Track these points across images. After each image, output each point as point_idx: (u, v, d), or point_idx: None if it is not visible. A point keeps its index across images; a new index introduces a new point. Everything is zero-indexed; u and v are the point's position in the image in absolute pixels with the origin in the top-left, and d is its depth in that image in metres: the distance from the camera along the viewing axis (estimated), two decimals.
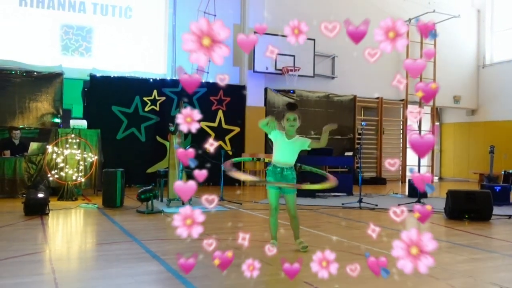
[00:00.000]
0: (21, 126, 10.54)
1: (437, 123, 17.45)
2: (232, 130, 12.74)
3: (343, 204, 8.49)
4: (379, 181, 14.22)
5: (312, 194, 9.62)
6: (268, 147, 13.09)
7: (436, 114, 16.99)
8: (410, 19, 15.47)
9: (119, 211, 7.30)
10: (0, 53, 10.88)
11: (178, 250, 4.72)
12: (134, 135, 11.65)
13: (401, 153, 15.69)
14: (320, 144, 4.57)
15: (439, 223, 6.82)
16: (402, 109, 15.72)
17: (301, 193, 9.70)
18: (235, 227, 6.32)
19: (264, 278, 3.71)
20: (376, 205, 8.29)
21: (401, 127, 15.81)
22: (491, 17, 17.09)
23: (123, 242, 4.97)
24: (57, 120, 11.02)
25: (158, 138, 11.71)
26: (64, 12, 11.58)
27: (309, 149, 4.69)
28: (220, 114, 12.57)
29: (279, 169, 4.56)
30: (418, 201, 8.54)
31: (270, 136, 4.58)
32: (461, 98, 16.62)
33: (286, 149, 4.57)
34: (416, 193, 9.01)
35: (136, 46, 12.24)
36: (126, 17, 12.20)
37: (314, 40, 13.45)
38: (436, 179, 16.65)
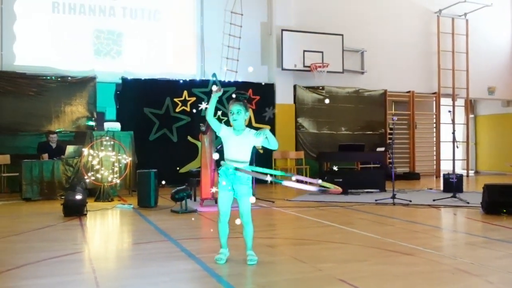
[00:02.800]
0: (57, 130, 10.86)
1: (471, 115, 17.03)
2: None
3: (376, 200, 8.41)
4: (412, 176, 13.99)
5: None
6: (299, 144, 13.09)
7: (470, 106, 16.58)
8: (440, 10, 15.18)
9: (153, 211, 7.45)
10: (35, 59, 11.23)
11: (212, 248, 4.79)
12: (166, 135, 11.82)
13: (434, 147, 15.40)
14: (271, 146, 3.97)
15: (476, 218, 6.68)
16: (434, 102, 15.42)
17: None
18: (268, 224, 6.36)
19: (298, 275, 3.73)
20: (410, 201, 8.18)
21: (434, 121, 15.50)
22: None
23: (158, 241, 5.07)
24: (92, 123, 11.31)
25: (189, 138, 11.85)
26: (95, 17, 11.85)
27: (260, 146, 4.12)
28: (249, 112, 12.62)
29: (231, 169, 3.98)
30: (454, 196, 8.38)
31: (218, 135, 4.09)
32: (496, 89, 16.17)
33: (235, 146, 4.00)
34: (452, 188, 8.84)
35: (165, 48, 12.41)
36: (154, 19, 12.39)
37: (342, 35, 13.34)
38: (471, 172, 16.26)
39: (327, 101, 12.17)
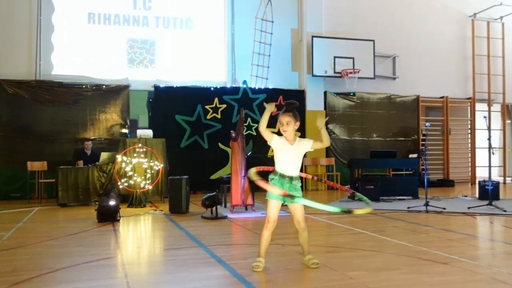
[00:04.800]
0: (92, 137, 11.14)
1: (508, 121, 16.54)
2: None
3: (408, 207, 8.26)
4: (447, 183, 13.68)
5: (376, 197, 9.43)
6: (330, 150, 12.98)
7: (507, 111, 16.12)
8: (475, 14, 14.86)
9: (184, 217, 7.52)
10: (72, 69, 11.57)
11: (243, 255, 4.81)
12: (197, 142, 11.94)
13: (469, 154, 15.03)
14: (324, 143, 4.06)
15: None
16: (469, 107, 15.06)
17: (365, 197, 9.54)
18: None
19: (328, 283, 3.70)
20: (444, 208, 8.00)
21: (469, 127, 15.13)
22: None
23: (189, 247, 5.12)
24: (125, 130, 11.55)
25: (220, 145, 11.94)
26: (129, 27, 12.14)
27: (312, 150, 4.16)
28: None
29: (287, 178, 4.00)
30: (490, 204, 8.15)
31: (270, 144, 4.09)
32: None
33: (287, 156, 4.03)
34: (488, 195, 8.61)
35: (197, 56, 12.57)
36: (187, 28, 12.58)
37: (373, 41, 13.22)
38: (508, 180, 15.78)
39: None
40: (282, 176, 4.02)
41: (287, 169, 4.03)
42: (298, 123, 4.09)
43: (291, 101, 4.15)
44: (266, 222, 4.08)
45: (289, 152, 4.03)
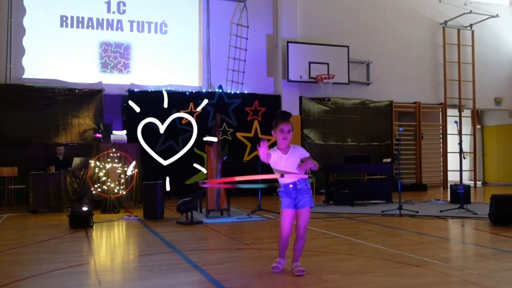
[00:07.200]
0: (64, 142, 10.93)
1: (478, 126, 16.95)
2: (268, 140, 12.78)
3: (382, 211, 8.36)
4: (419, 187, 13.92)
5: (350, 202, 9.53)
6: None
7: (477, 116, 16.52)
8: (446, 21, 15.20)
9: (159, 223, 7.44)
10: (44, 73, 11.35)
11: (218, 260, 4.78)
12: (172, 147, 11.86)
13: (441, 158, 15.32)
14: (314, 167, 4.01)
15: (484, 229, 6.62)
16: (441, 113, 15.37)
17: (340, 202, 9.64)
18: (275, 236, 6.33)
19: (304, 287, 3.71)
20: (417, 212, 8.13)
21: (441, 132, 15.45)
22: None
23: (164, 253, 5.07)
24: (98, 135, 11.37)
25: (195, 150, 11.88)
26: (102, 31, 11.98)
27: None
28: (255, 124, 12.65)
29: (291, 185, 4.04)
30: (461, 207, 8.32)
31: (269, 162, 4.06)
32: (503, 100, 16.11)
33: (286, 165, 4.02)
34: (459, 199, 8.78)
35: (172, 60, 12.50)
36: (161, 32, 12.50)
37: (348, 47, 13.39)
38: (479, 183, 16.15)
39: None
40: (286, 186, 4.06)
41: (287, 178, 4.04)
42: (293, 133, 4.12)
43: (285, 111, 4.18)
44: (280, 232, 4.09)
45: (285, 162, 4.03)
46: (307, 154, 4.09)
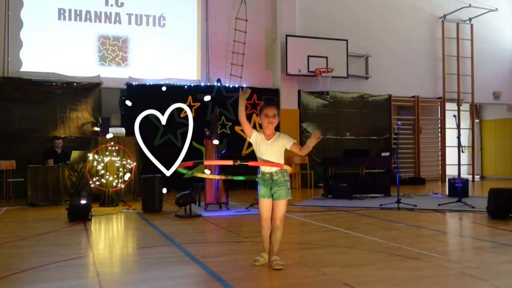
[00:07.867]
0: (63, 136, 10.91)
1: (476, 120, 16.96)
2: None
3: (381, 205, 8.38)
4: (418, 181, 13.95)
5: (349, 195, 9.54)
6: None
7: (475, 111, 16.53)
8: (445, 15, 15.17)
9: (158, 216, 7.45)
10: (42, 66, 11.30)
11: (217, 253, 4.79)
12: (171, 141, 11.84)
13: (440, 152, 15.34)
14: (301, 153, 3.97)
15: (481, 222, 6.64)
16: (439, 107, 15.38)
17: (338, 195, 9.65)
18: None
19: (302, 280, 3.72)
20: (415, 206, 8.14)
21: (439, 126, 15.46)
22: None
23: (163, 246, 5.07)
24: (97, 129, 11.35)
25: (194, 143, 11.85)
26: (100, 24, 11.93)
27: (289, 149, 4.03)
28: (254, 118, 12.62)
29: (267, 174, 4.00)
30: (459, 201, 8.34)
31: (249, 139, 4.05)
32: (501, 94, 16.12)
33: (267, 152, 3.97)
34: (457, 193, 8.80)
35: (170, 54, 12.46)
36: (160, 25, 12.45)
37: (346, 40, 13.36)
38: (477, 177, 16.18)
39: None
40: (263, 173, 4.02)
41: (265, 166, 4.01)
42: (279, 118, 4.08)
43: (269, 97, 4.19)
44: (260, 221, 4.09)
45: (266, 148, 3.99)
46: (294, 141, 4.01)
